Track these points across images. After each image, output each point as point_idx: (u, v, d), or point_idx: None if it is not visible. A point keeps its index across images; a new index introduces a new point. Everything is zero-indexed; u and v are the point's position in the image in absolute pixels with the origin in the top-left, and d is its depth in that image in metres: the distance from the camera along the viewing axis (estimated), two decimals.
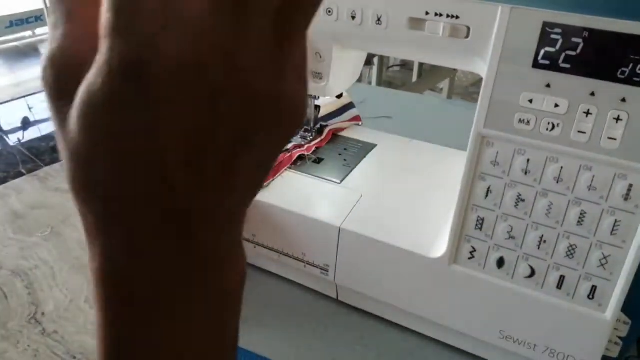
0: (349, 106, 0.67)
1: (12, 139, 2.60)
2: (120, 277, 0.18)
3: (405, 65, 3.14)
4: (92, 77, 0.15)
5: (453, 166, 0.42)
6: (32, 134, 2.67)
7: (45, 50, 0.18)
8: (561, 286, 0.39)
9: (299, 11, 0.17)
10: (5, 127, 2.74)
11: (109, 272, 0.18)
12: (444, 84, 2.70)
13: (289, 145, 0.58)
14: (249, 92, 0.16)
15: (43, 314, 0.94)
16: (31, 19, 3.62)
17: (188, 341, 0.20)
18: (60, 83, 0.17)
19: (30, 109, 2.89)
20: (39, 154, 2.40)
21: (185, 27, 0.14)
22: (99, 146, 0.16)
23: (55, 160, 2.44)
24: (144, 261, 0.18)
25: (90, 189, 0.17)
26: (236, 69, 0.15)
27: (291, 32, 0.17)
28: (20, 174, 2.23)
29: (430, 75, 2.60)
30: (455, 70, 2.52)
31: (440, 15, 0.37)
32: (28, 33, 3.88)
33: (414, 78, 2.65)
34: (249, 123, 0.16)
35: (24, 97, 3.04)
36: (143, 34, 0.14)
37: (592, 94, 0.34)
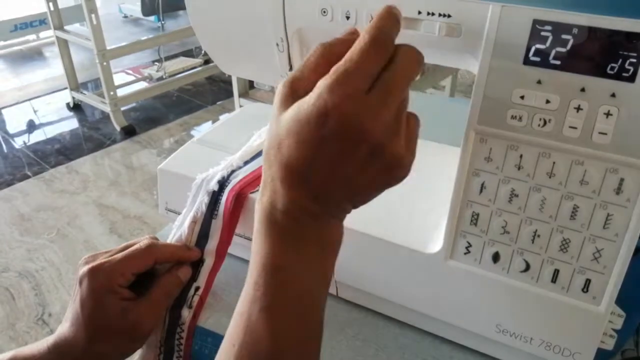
0: None
1: (17, 142, 2.62)
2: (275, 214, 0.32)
3: None
4: (305, 101, 0.30)
5: (450, 163, 0.42)
6: (37, 136, 2.68)
7: (286, 78, 0.33)
8: (556, 280, 0.40)
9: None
10: (11, 130, 2.77)
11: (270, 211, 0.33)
12: (446, 82, 2.70)
13: None
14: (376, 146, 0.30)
15: (50, 314, 0.95)
16: (35, 23, 3.65)
17: (311, 269, 0.34)
18: (289, 92, 0.32)
19: (35, 112, 2.91)
20: (44, 157, 2.42)
21: (353, 104, 0.29)
22: (291, 133, 0.30)
23: (60, 162, 2.46)
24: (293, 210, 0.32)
25: (279, 157, 0.31)
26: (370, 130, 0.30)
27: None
28: (26, 177, 2.25)
29: (432, 74, 2.59)
30: (457, 68, 2.51)
31: (432, 14, 0.38)
32: (32, 37, 3.91)
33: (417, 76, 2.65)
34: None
35: (29, 100, 3.06)
36: (335, 98, 0.29)
37: (583, 90, 0.34)
